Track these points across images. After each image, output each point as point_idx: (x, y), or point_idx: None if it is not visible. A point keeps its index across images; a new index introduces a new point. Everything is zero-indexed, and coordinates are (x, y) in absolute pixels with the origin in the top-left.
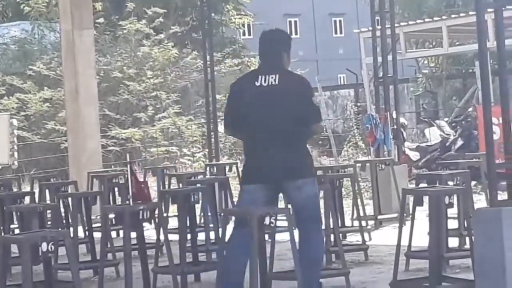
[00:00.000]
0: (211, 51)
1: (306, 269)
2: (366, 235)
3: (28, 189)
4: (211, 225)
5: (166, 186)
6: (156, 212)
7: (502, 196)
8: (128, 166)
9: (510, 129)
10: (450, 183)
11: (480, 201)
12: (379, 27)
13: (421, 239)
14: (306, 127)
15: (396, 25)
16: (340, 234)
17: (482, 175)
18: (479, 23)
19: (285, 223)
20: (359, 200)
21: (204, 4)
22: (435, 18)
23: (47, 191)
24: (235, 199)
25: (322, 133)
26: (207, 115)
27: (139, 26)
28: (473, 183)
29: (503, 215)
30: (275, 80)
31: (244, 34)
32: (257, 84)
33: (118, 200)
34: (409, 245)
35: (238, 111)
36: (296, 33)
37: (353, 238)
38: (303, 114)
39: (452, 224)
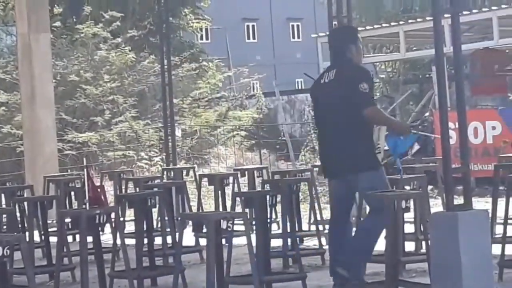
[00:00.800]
0: (168, 55)
1: (354, 255)
2: (323, 239)
3: None
4: (168, 230)
5: (123, 190)
6: (113, 216)
7: (458, 200)
8: (85, 170)
9: (466, 134)
10: (407, 187)
11: (436, 205)
12: None
13: (378, 243)
14: (358, 115)
15: None
16: (297, 238)
17: (438, 179)
18: (436, 28)
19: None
20: (316, 204)
21: (161, 8)
22: (392, 23)
23: (2, 195)
24: (192, 203)
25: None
26: (164, 119)
27: (96, 30)
28: (429, 187)
29: (459, 219)
30: (333, 75)
31: (202, 38)
32: (322, 81)
33: (75, 205)
34: None
35: (314, 107)
36: (253, 38)
37: (310, 243)
38: (354, 101)
39: (409, 228)
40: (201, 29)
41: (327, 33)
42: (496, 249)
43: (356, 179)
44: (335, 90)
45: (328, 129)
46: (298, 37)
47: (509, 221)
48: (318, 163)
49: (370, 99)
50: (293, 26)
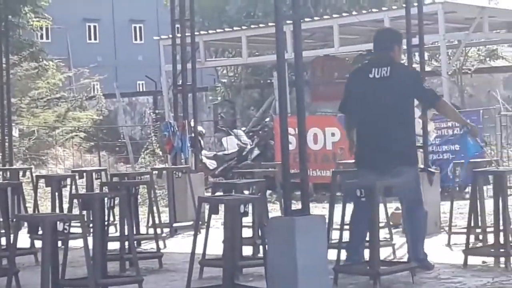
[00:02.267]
0: (7, 53)
1: (412, 241)
2: (161, 242)
3: None
4: (3, 231)
5: None
6: None
7: (296, 205)
8: None
9: (305, 140)
10: (246, 192)
11: (275, 210)
12: (179, 35)
13: (216, 247)
14: (411, 113)
15: (196, 33)
16: (135, 242)
17: (277, 184)
18: (278, 34)
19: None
20: (155, 208)
21: (0, 5)
22: (235, 28)
23: None
24: (28, 205)
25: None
26: (1, 118)
27: None
28: (268, 192)
29: (296, 224)
30: (387, 72)
31: (42, 38)
32: (371, 76)
33: None
34: (204, 253)
35: (354, 99)
36: (95, 38)
37: (148, 246)
38: (421, 98)
39: (247, 232)
40: (41, 28)
41: (169, 35)
42: (332, 254)
43: (400, 172)
44: (391, 88)
45: (374, 122)
46: (141, 39)
47: (345, 227)
48: (158, 165)
49: (436, 94)
50: (135, 27)
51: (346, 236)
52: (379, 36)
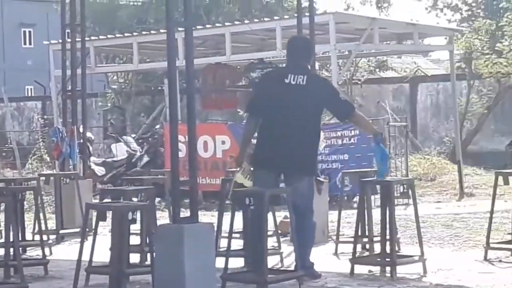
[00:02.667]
0: None
1: (300, 249)
2: (47, 249)
3: None
4: None
5: None
6: None
7: (185, 213)
8: None
9: (195, 147)
10: (135, 199)
11: (163, 217)
12: (69, 40)
13: (103, 254)
14: (318, 125)
15: (86, 39)
16: (20, 248)
17: (166, 192)
18: (169, 41)
19: None
20: (41, 214)
21: None
22: (126, 34)
23: None
24: None
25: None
26: None
27: None
28: (157, 199)
29: (184, 232)
30: (303, 81)
31: None
32: (286, 81)
33: None
34: (90, 260)
35: (265, 100)
36: None
37: (34, 253)
38: (337, 109)
39: (135, 240)
40: None
41: (60, 40)
42: (220, 262)
43: (297, 179)
44: (306, 97)
45: (283, 126)
46: (30, 43)
47: (233, 235)
48: (45, 171)
49: (352, 105)
50: (25, 32)
51: (235, 244)
52: (295, 43)
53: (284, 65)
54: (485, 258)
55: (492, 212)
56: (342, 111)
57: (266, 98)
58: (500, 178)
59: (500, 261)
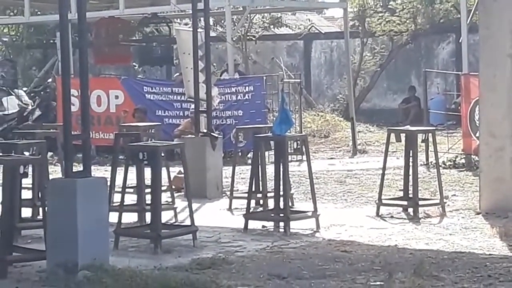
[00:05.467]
0: None
1: None
2: None
3: None
4: None
5: None
6: None
7: (78, 167)
8: None
9: (88, 101)
10: (26, 153)
11: (56, 172)
12: None
13: None
14: None
15: None
16: None
17: (58, 146)
18: None
19: None
20: None
21: None
22: None
23: None
24: None
25: None
26: None
27: None
28: (49, 154)
29: (77, 186)
30: None
31: None
32: None
33: None
34: None
35: None
36: None
37: None
38: None
39: (27, 194)
40: None
41: None
42: (113, 217)
43: None
44: None
45: None
46: None
47: (127, 190)
48: None
49: None
50: None
51: (128, 199)
52: None
53: (179, 20)
54: (377, 214)
55: (384, 168)
56: None
57: None
58: (393, 136)
59: (392, 217)
